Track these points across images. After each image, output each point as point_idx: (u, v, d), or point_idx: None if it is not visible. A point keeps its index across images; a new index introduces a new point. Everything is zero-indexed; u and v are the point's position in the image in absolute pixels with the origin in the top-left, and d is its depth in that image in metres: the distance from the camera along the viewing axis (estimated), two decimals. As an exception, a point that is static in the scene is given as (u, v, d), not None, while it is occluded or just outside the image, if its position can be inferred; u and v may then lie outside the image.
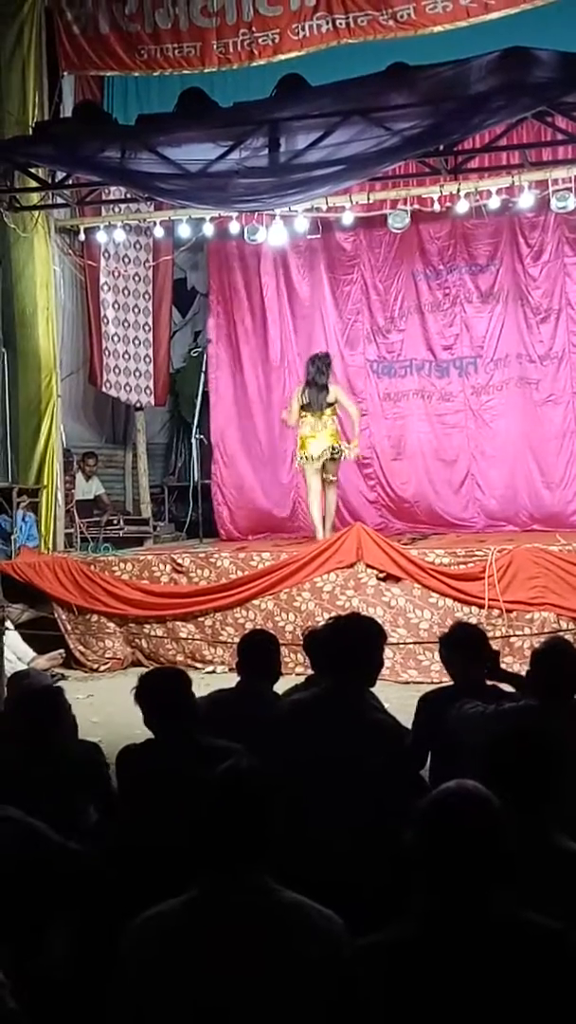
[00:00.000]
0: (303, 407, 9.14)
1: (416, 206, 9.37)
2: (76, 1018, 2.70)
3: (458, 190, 8.91)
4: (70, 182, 8.23)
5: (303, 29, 9.19)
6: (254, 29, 9.32)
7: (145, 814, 2.80)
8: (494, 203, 9.03)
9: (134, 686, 3.21)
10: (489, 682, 3.83)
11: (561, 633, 7.45)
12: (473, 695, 3.57)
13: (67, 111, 9.68)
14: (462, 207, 9.10)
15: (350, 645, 3.38)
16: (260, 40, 9.32)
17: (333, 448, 9.09)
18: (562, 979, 1.76)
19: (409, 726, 3.63)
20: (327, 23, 9.10)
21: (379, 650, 3.46)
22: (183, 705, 3.13)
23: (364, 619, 3.75)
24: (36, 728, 3.37)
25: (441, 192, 8.99)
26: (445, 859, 1.82)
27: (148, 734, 3.38)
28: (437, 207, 9.21)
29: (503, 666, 4.03)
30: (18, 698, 3.76)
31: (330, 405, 9.15)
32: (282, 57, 9.13)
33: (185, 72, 9.45)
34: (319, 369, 9.21)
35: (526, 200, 8.86)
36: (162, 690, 3.17)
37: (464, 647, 3.89)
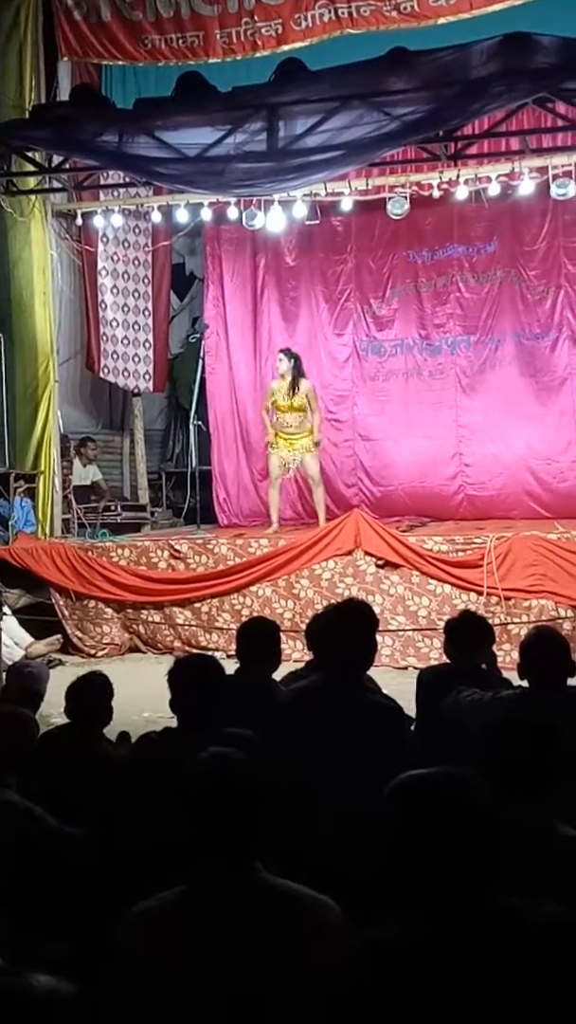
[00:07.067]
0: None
1: (415, 189, 9.31)
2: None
3: (457, 176, 8.86)
4: (67, 166, 8.18)
5: (306, 19, 9.09)
6: (256, 18, 9.23)
7: (163, 802, 2.79)
8: (494, 189, 8.97)
9: (169, 667, 3.21)
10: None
11: (559, 621, 7.47)
12: (471, 679, 3.58)
13: (64, 95, 9.58)
14: (461, 193, 9.04)
15: (348, 630, 3.38)
16: (263, 31, 9.23)
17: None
18: (572, 971, 1.67)
19: (408, 712, 3.64)
20: (329, 12, 9.01)
21: (374, 634, 3.47)
22: (215, 695, 3.13)
23: (359, 604, 3.75)
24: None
25: (440, 178, 8.93)
26: (415, 846, 1.74)
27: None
28: (436, 193, 9.15)
29: (501, 654, 4.04)
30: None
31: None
32: (286, 48, 9.00)
33: (189, 62, 9.29)
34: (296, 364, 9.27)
35: (526, 187, 8.79)
36: (198, 677, 3.16)
37: (468, 638, 3.91)
